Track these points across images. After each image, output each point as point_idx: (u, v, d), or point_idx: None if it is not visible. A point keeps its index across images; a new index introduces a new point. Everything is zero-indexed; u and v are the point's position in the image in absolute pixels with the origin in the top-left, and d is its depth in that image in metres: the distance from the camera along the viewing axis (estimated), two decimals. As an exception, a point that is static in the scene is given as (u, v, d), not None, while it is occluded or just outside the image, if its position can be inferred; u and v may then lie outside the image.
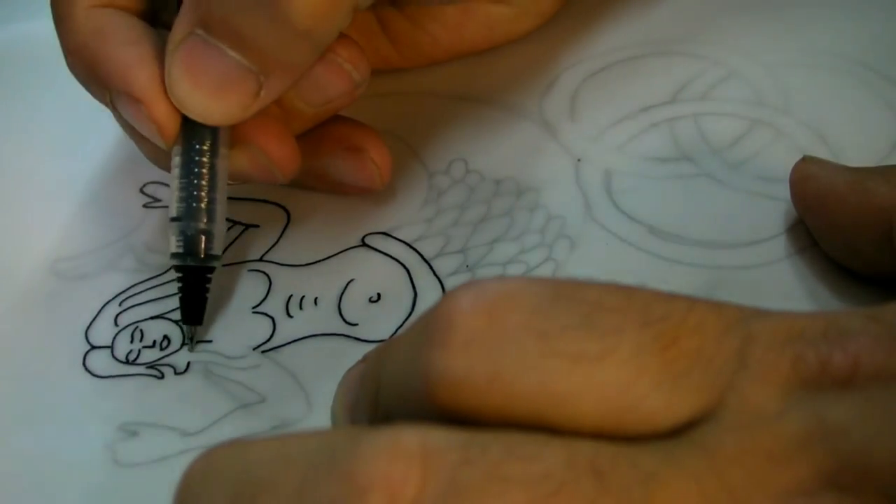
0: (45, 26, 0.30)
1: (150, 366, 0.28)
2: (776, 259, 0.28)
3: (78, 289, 0.30)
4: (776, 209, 0.29)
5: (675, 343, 0.17)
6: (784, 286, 0.27)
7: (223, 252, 0.28)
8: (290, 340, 0.28)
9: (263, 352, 0.28)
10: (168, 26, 0.26)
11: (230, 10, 0.25)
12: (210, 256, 0.27)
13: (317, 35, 0.25)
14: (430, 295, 0.29)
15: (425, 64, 0.36)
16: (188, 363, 0.28)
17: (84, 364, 0.28)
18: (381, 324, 0.28)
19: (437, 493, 0.15)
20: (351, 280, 0.29)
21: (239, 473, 0.16)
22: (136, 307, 0.30)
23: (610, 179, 0.31)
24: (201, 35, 0.25)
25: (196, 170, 0.27)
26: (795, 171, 0.28)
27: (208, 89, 0.26)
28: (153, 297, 0.30)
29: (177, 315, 0.29)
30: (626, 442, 0.16)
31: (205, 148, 0.27)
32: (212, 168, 0.27)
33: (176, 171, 0.27)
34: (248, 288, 0.30)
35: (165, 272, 0.30)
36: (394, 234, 0.30)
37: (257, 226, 0.32)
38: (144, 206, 0.33)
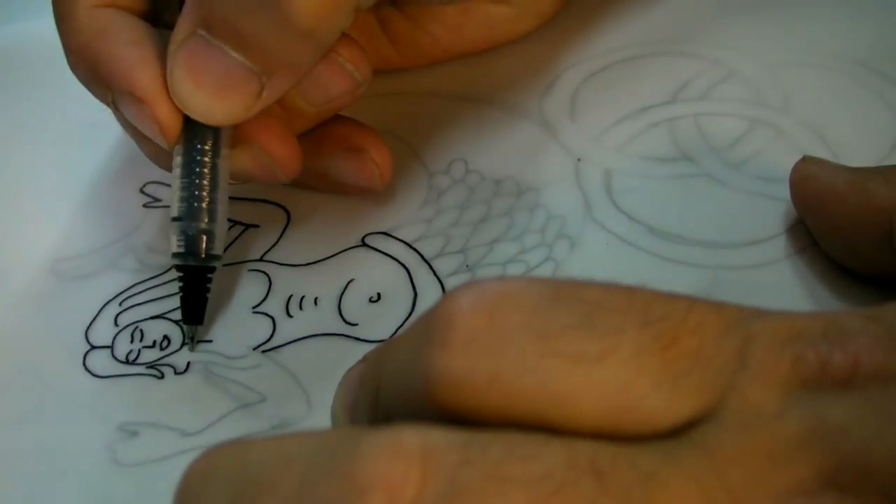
0: (44, 26, 0.30)
1: (150, 366, 0.28)
2: (776, 259, 0.28)
3: (78, 289, 0.30)
4: (776, 209, 0.29)
5: (675, 343, 0.17)
6: (784, 286, 0.27)
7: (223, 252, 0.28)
8: (290, 340, 0.28)
9: (263, 352, 0.28)
10: (169, 26, 0.26)
11: (232, 11, 0.25)
12: (211, 256, 0.27)
13: (319, 35, 0.25)
14: (430, 295, 0.29)
15: (425, 64, 0.36)
16: (188, 363, 0.28)
17: (84, 364, 0.28)
18: (381, 324, 0.28)
19: (437, 493, 0.15)
20: (351, 280, 0.29)
21: (239, 473, 0.16)
22: (137, 307, 0.30)
23: (610, 179, 0.31)
24: (203, 35, 0.25)
25: (198, 169, 0.27)
26: (795, 171, 0.28)
27: (210, 89, 0.26)
28: (153, 297, 0.30)
29: (177, 315, 0.29)
30: (626, 442, 0.16)
31: (206, 148, 0.27)
32: (213, 168, 0.27)
33: (177, 171, 0.27)
34: (248, 288, 0.30)
35: (165, 272, 0.30)
36: (394, 234, 0.30)
37: (257, 226, 0.32)
38: (144, 206, 0.33)
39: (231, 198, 0.29)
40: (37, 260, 0.31)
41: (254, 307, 0.29)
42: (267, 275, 0.30)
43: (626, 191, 0.30)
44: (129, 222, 0.32)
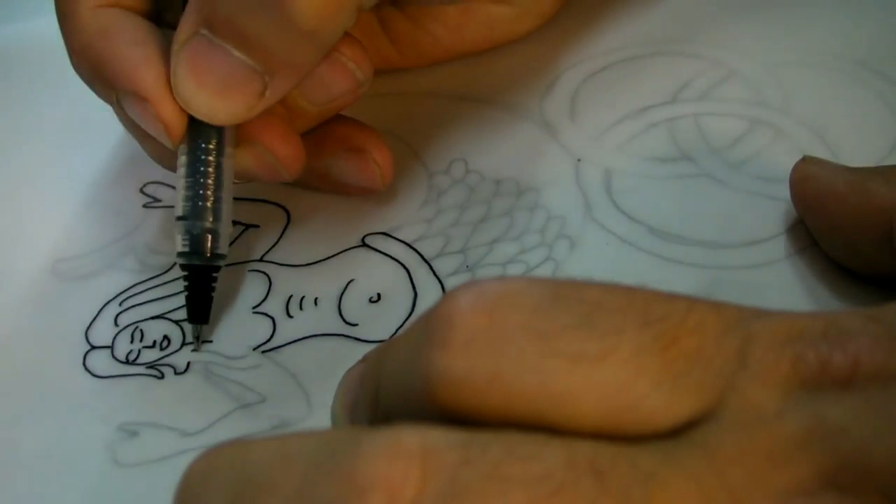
0: (45, 25, 0.30)
1: (150, 366, 0.28)
2: (776, 259, 0.28)
3: (78, 289, 0.30)
4: (776, 209, 0.29)
5: (675, 343, 0.17)
6: (784, 286, 0.27)
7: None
8: (290, 340, 0.28)
9: (263, 352, 0.28)
10: (172, 26, 0.26)
11: (235, 11, 0.25)
12: (216, 255, 0.27)
13: (322, 35, 0.25)
14: (430, 295, 0.29)
15: (426, 64, 0.36)
16: (188, 363, 0.28)
17: (84, 364, 0.28)
18: (381, 324, 0.28)
19: (437, 494, 0.15)
20: (351, 280, 0.29)
21: (239, 473, 0.16)
22: (137, 307, 0.30)
23: (610, 179, 0.31)
24: (206, 35, 0.25)
25: (202, 169, 0.27)
26: (795, 171, 0.28)
27: (213, 89, 0.26)
28: (153, 298, 0.30)
29: (177, 315, 0.29)
30: (625, 442, 0.16)
31: (211, 147, 0.27)
32: (218, 167, 0.27)
33: (182, 171, 0.27)
34: (248, 288, 0.30)
35: (166, 272, 0.31)
36: (394, 235, 0.30)
37: (257, 226, 0.32)
38: (144, 206, 0.33)
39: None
40: (37, 260, 0.31)
41: (254, 307, 0.29)
42: (267, 275, 0.30)
43: (626, 191, 0.30)
44: (129, 222, 0.32)
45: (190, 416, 0.26)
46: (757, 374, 0.17)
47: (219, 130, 0.27)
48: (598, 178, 0.31)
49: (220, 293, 0.29)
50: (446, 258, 0.30)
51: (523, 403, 0.16)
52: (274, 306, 0.29)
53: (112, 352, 0.28)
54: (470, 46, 0.35)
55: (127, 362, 0.28)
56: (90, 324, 0.29)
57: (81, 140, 0.35)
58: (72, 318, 0.29)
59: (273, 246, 0.31)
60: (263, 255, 0.31)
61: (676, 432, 0.16)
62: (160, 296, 0.30)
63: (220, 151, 0.27)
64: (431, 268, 0.29)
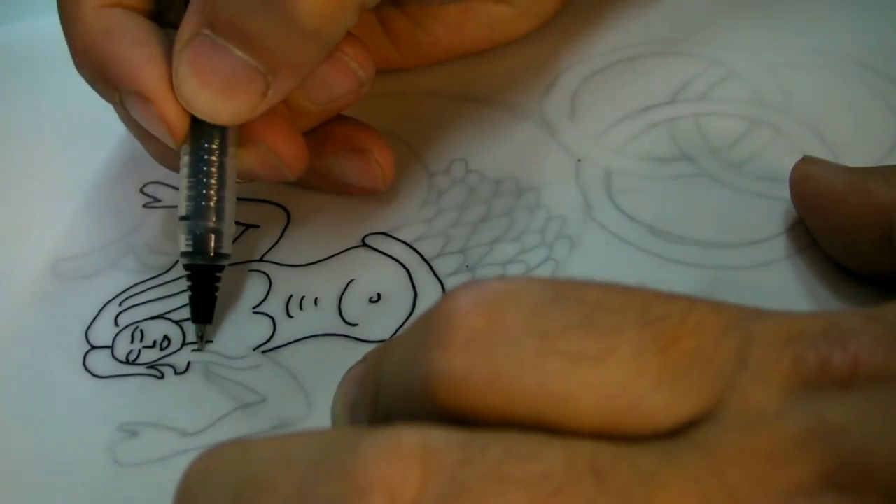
0: (45, 25, 0.30)
1: (150, 366, 0.28)
2: (776, 259, 0.28)
3: (78, 289, 0.30)
4: (776, 209, 0.29)
5: (675, 343, 0.17)
6: (784, 286, 0.27)
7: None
8: (290, 340, 0.28)
9: (263, 352, 0.28)
10: (174, 26, 0.26)
11: (237, 11, 0.25)
12: (219, 255, 0.27)
13: (324, 35, 0.25)
14: (430, 295, 0.29)
15: (426, 64, 0.36)
16: (188, 363, 0.28)
17: (84, 364, 0.28)
18: (381, 324, 0.28)
19: (437, 494, 0.15)
20: (351, 280, 0.29)
21: (239, 473, 0.16)
22: (137, 307, 0.30)
23: (610, 179, 0.31)
24: (208, 35, 0.25)
25: (205, 168, 0.27)
26: (795, 171, 0.28)
27: (216, 89, 0.26)
28: (153, 298, 0.30)
29: (177, 315, 0.29)
30: (625, 442, 0.16)
31: (214, 147, 0.27)
32: (221, 167, 0.27)
33: (185, 170, 0.27)
34: (248, 288, 0.30)
35: (166, 272, 0.31)
36: (394, 235, 0.30)
37: (257, 226, 0.32)
38: (144, 206, 0.33)
39: (232, 198, 0.29)
40: (37, 260, 0.31)
41: (254, 307, 0.29)
42: (267, 275, 0.30)
43: (626, 191, 0.30)
44: (129, 222, 0.32)
45: (190, 416, 0.26)
46: (757, 373, 0.17)
47: (222, 130, 0.27)
48: (598, 178, 0.31)
49: (220, 293, 0.29)
50: (446, 258, 0.30)
51: (523, 403, 0.16)
52: (274, 306, 0.29)
53: (112, 352, 0.28)
54: (470, 46, 0.35)
55: (127, 362, 0.28)
56: (90, 324, 0.29)
57: (81, 140, 0.35)
58: (72, 318, 0.29)
59: (273, 246, 0.31)
60: (263, 255, 0.31)
61: (676, 432, 0.16)
62: (160, 296, 0.30)
63: (223, 151, 0.27)
64: (431, 268, 0.29)
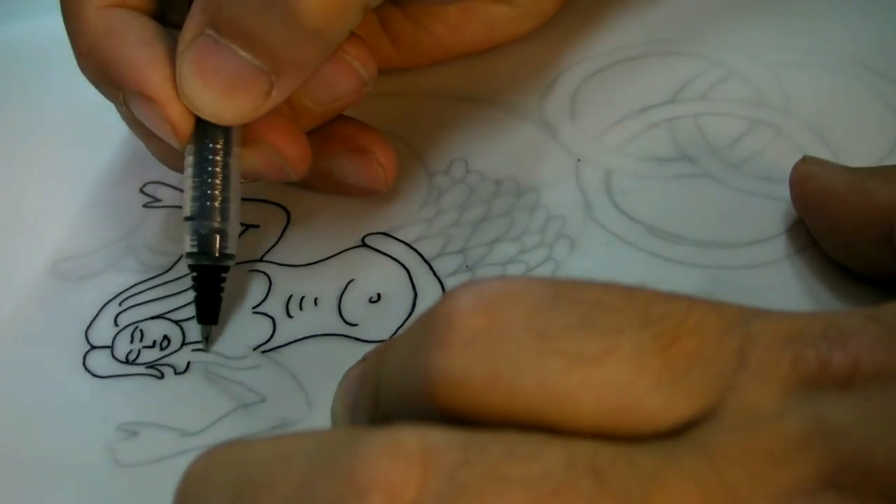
0: (45, 25, 0.30)
1: (150, 366, 0.28)
2: (776, 259, 0.28)
3: (78, 289, 0.30)
4: (776, 209, 0.29)
5: (674, 343, 0.17)
6: (784, 286, 0.27)
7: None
8: (290, 340, 0.28)
9: (263, 352, 0.28)
10: (177, 26, 0.26)
11: (240, 11, 0.25)
12: (224, 255, 0.27)
13: (328, 35, 0.25)
14: (430, 295, 0.29)
15: (426, 64, 0.36)
16: (188, 363, 0.28)
17: (84, 364, 0.28)
18: (381, 324, 0.28)
19: (437, 494, 0.15)
20: (351, 280, 0.29)
21: (239, 474, 0.16)
22: (137, 307, 0.30)
23: (610, 179, 0.31)
24: (212, 35, 0.25)
25: (210, 169, 0.27)
26: (795, 171, 0.28)
27: (219, 89, 0.25)
28: (153, 298, 0.30)
29: (177, 315, 0.29)
30: (625, 442, 0.16)
31: (218, 147, 0.27)
32: (225, 167, 0.27)
33: (189, 171, 0.27)
34: (248, 288, 0.30)
35: (166, 272, 0.31)
36: (394, 235, 0.30)
37: (257, 226, 0.32)
38: (144, 206, 0.33)
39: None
40: (37, 260, 0.31)
41: (254, 307, 0.29)
42: (267, 275, 0.30)
43: (626, 191, 0.30)
44: (129, 222, 0.32)
45: (190, 416, 0.26)
46: (757, 373, 0.17)
47: (225, 130, 0.27)
48: (598, 178, 0.31)
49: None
50: (446, 258, 0.30)
51: (523, 403, 0.16)
52: (274, 306, 0.29)
53: (112, 352, 0.28)
54: (470, 46, 0.35)
55: (127, 362, 0.28)
56: (90, 324, 0.29)
57: (82, 140, 0.35)
58: (72, 318, 0.29)
59: (273, 246, 0.31)
60: (263, 255, 0.31)
61: (676, 432, 0.16)
62: (160, 296, 0.30)
63: (227, 151, 0.27)
64: (431, 268, 0.29)
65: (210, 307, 0.28)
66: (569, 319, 0.17)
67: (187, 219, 0.27)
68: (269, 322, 0.29)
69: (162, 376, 0.28)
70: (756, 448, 0.16)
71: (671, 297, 0.17)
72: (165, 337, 0.29)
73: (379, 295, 0.29)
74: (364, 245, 0.30)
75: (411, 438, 0.15)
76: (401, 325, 0.28)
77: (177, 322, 0.29)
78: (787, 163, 0.28)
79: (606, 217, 0.30)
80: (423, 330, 0.17)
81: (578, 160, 0.32)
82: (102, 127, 0.34)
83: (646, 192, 0.30)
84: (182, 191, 0.31)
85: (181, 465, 0.17)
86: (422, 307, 0.28)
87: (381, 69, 0.34)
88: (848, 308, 0.26)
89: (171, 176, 0.33)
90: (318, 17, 0.24)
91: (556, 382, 0.16)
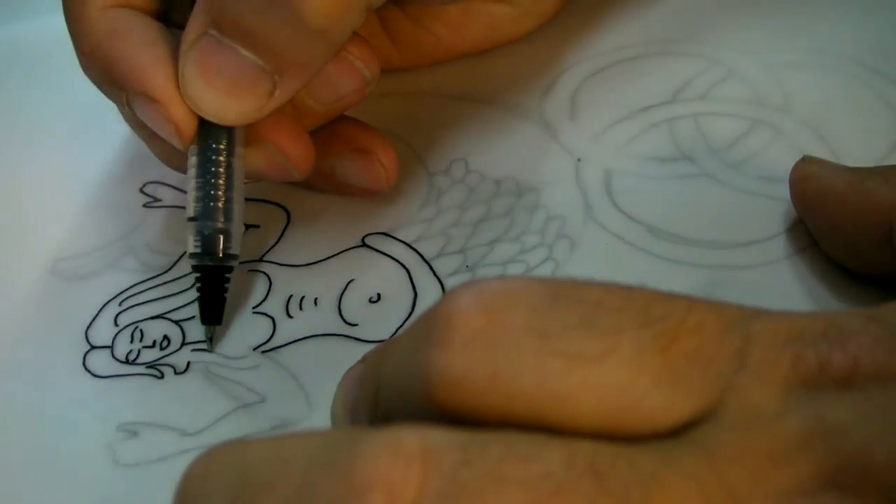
0: (45, 25, 0.30)
1: (150, 366, 0.28)
2: (776, 259, 0.28)
3: (78, 289, 0.30)
4: (776, 209, 0.29)
5: (674, 343, 0.17)
6: (784, 286, 0.27)
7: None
8: (290, 340, 0.28)
9: (263, 352, 0.28)
10: (180, 26, 0.26)
11: (243, 11, 0.24)
12: (228, 256, 0.27)
13: (331, 35, 0.25)
14: (430, 295, 0.29)
15: (426, 64, 0.36)
16: (188, 363, 0.28)
17: (84, 364, 0.28)
18: (381, 324, 0.28)
19: (437, 494, 0.15)
20: (351, 280, 0.29)
21: (239, 474, 0.16)
22: (137, 307, 0.30)
23: (610, 179, 0.31)
24: (215, 35, 0.25)
25: (213, 169, 0.27)
26: (795, 171, 0.28)
27: (222, 89, 0.25)
28: (153, 297, 0.30)
29: (177, 315, 0.29)
30: (625, 442, 0.16)
31: (221, 147, 0.27)
32: (228, 167, 0.27)
33: (192, 171, 0.27)
34: (248, 288, 0.30)
35: (166, 272, 0.31)
36: (394, 235, 0.30)
37: (257, 226, 0.32)
38: (144, 206, 0.33)
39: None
40: (37, 260, 0.31)
41: (254, 307, 0.29)
42: (267, 275, 0.30)
43: (626, 191, 0.30)
44: (129, 222, 0.32)
45: (190, 416, 0.26)
46: (757, 373, 0.17)
47: (229, 130, 0.27)
48: (598, 178, 0.31)
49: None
50: (446, 258, 0.30)
51: (523, 403, 0.16)
52: (274, 306, 0.29)
53: (112, 352, 0.28)
54: (471, 46, 0.35)
55: (127, 362, 0.28)
56: (90, 324, 0.29)
57: (82, 140, 0.35)
58: (72, 318, 0.29)
59: (273, 246, 0.31)
60: (263, 255, 0.31)
61: (676, 432, 0.16)
62: (160, 296, 0.30)
63: (230, 151, 0.27)
64: (431, 268, 0.29)
65: (214, 308, 0.28)
66: (569, 319, 0.17)
67: (191, 219, 0.27)
68: (269, 322, 0.29)
69: (162, 376, 0.28)
70: (756, 448, 0.16)
71: (671, 297, 0.17)
72: (165, 337, 0.29)
73: (379, 295, 0.29)
74: (364, 245, 0.30)
75: (411, 438, 0.15)
76: (401, 325, 0.28)
77: (177, 322, 0.29)
78: (787, 163, 0.28)
79: (606, 217, 0.30)
80: (423, 330, 0.17)
81: (578, 160, 0.32)
82: (103, 127, 0.34)
83: (646, 192, 0.30)
84: (183, 191, 0.31)
85: (181, 465, 0.17)
86: (422, 307, 0.28)
87: (382, 69, 0.34)
88: (848, 308, 0.26)
89: (172, 176, 0.33)
90: (322, 16, 0.24)
91: (555, 382, 0.16)
